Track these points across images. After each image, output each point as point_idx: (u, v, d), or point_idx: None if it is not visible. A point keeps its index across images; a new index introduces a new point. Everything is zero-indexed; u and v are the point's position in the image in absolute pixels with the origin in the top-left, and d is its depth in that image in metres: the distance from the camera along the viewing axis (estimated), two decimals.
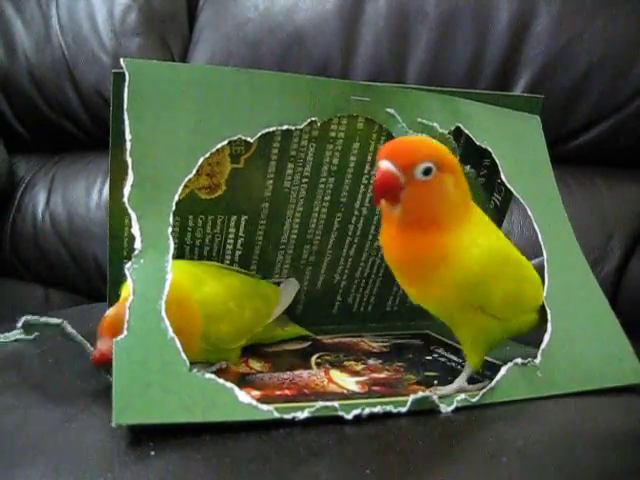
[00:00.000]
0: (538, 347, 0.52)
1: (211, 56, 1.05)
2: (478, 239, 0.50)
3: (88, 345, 0.53)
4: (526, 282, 0.53)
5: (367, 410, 0.45)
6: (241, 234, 0.61)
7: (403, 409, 0.46)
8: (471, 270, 0.49)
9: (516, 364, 0.50)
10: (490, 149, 0.57)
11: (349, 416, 0.44)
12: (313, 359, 0.59)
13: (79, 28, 1.13)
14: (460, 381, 0.51)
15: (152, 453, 0.40)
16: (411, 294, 0.52)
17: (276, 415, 0.43)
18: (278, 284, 0.64)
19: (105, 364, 0.47)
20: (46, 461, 0.40)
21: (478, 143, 0.57)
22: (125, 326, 0.43)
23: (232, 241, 0.62)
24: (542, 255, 0.56)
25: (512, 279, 0.52)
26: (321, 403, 0.44)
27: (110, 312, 0.47)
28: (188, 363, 0.43)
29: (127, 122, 0.47)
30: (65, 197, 1.13)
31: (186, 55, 1.11)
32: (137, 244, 0.45)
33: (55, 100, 1.15)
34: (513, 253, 0.53)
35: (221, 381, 0.43)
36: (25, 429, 0.44)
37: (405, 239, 0.49)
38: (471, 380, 0.54)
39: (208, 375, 0.43)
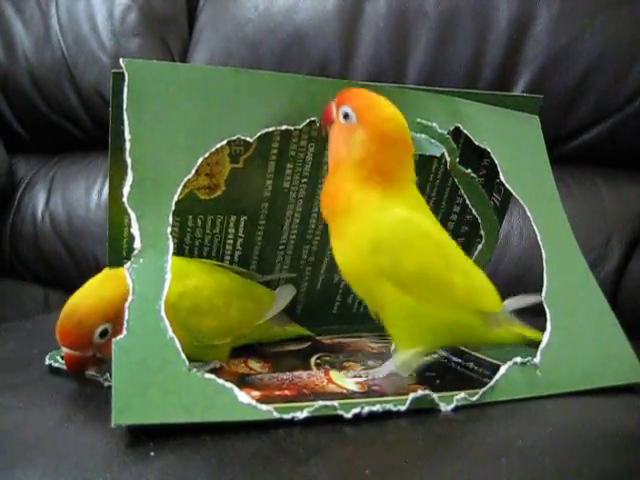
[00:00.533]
0: (537, 346, 0.52)
1: (211, 56, 1.05)
2: (397, 209, 0.50)
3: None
4: (455, 272, 0.51)
5: (367, 409, 0.45)
6: (240, 234, 0.61)
7: (403, 407, 0.46)
8: (378, 231, 0.49)
9: (515, 363, 0.50)
10: (489, 149, 0.57)
11: (349, 415, 0.44)
12: (313, 360, 0.59)
13: (79, 28, 1.13)
14: (390, 365, 0.53)
15: (151, 453, 0.40)
16: (334, 252, 0.53)
17: (275, 415, 0.43)
18: (278, 284, 0.64)
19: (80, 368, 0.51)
20: (45, 461, 0.40)
21: (477, 143, 0.57)
22: (125, 326, 0.43)
23: (231, 241, 0.62)
24: (541, 255, 0.55)
25: (428, 256, 0.51)
26: (320, 403, 0.44)
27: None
28: (188, 363, 0.43)
29: (126, 122, 0.47)
30: (65, 197, 1.13)
31: (186, 55, 1.11)
32: (136, 244, 0.45)
33: (55, 100, 1.15)
34: (443, 239, 0.53)
35: (221, 381, 0.43)
36: (24, 429, 0.44)
37: (326, 185, 0.53)
38: (470, 380, 0.54)
39: (208, 375, 0.43)
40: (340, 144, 0.51)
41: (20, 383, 0.52)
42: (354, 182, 0.50)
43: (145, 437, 0.41)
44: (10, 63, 1.17)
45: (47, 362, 0.55)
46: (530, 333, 0.53)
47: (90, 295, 0.52)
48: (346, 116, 0.51)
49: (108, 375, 0.51)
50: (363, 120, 0.51)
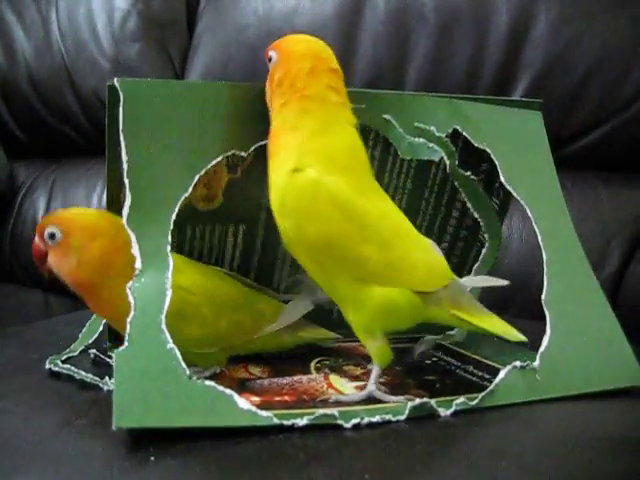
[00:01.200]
0: (537, 350, 0.52)
1: (210, 61, 1.05)
2: (311, 170, 0.48)
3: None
4: (370, 245, 0.48)
5: (366, 420, 0.45)
6: (239, 243, 0.61)
7: (402, 417, 0.46)
8: (285, 192, 0.48)
9: (515, 367, 0.50)
10: (489, 149, 0.57)
11: (348, 425, 0.45)
12: (312, 364, 0.59)
13: (79, 33, 1.13)
14: (370, 385, 0.50)
15: (152, 458, 0.40)
16: None
17: (275, 421, 0.43)
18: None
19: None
20: (45, 466, 0.40)
21: (476, 145, 0.57)
22: (126, 338, 0.43)
23: (230, 250, 0.62)
24: (542, 257, 0.55)
25: (334, 225, 0.48)
26: (321, 411, 0.44)
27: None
28: (188, 372, 0.43)
29: (122, 144, 0.47)
30: (65, 202, 1.13)
31: (185, 60, 1.11)
32: (137, 264, 0.45)
33: (55, 105, 1.16)
34: (363, 206, 0.49)
35: (221, 388, 0.43)
36: (24, 434, 0.44)
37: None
38: (470, 384, 0.54)
39: (208, 382, 0.44)
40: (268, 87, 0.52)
41: (20, 388, 0.52)
42: (279, 114, 0.50)
43: (145, 442, 0.41)
44: (10, 68, 1.17)
45: (47, 366, 0.55)
46: (473, 319, 0.50)
47: (79, 210, 0.57)
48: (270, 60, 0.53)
49: (107, 379, 0.52)
50: (279, 51, 0.52)
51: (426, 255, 0.50)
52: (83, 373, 0.53)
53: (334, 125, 0.50)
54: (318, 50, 0.52)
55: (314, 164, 0.48)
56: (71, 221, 0.53)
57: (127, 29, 1.11)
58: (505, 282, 0.53)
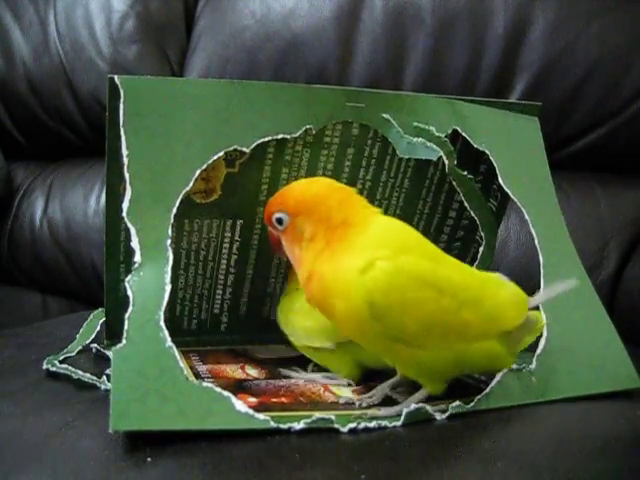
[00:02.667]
0: (533, 353, 0.52)
1: (208, 63, 1.05)
2: (380, 262, 0.45)
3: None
4: (466, 308, 0.46)
5: (362, 425, 0.45)
6: (237, 238, 0.61)
7: (398, 423, 0.46)
8: (371, 294, 0.45)
9: (511, 370, 0.50)
10: (487, 151, 0.57)
11: (344, 430, 0.45)
12: (309, 367, 0.59)
13: (77, 35, 1.13)
14: (412, 400, 0.48)
15: (148, 459, 0.40)
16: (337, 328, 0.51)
17: (272, 425, 0.43)
18: None
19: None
20: (43, 467, 0.40)
21: (476, 146, 0.57)
22: (124, 335, 0.43)
23: (228, 245, 0.62)
24: (538, 261, 0.55)
25: (430, 306, 0.46)
26: (318, 415, 0.45)
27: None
28: (185, 372, 0.43)
29: (123, 138, 0.48)
30: (63, 204, 1.13)
31: (183, 62, 1.11)
32: (137, 257, 0.45)
33: (53, 107, 1.16)
34: (440, 271, 0.47)
35: (218, 389, 0.44)
36: (22, 435, 0.44)
37: (301, 280, 0.50)
38: (466, 386, 0.54)
39: (205, 384, 0.44)
40: (291, 248, 0.51)
41: (18, 389, 0.52)
42: (319, 259, 0.48)
43: (142, 443, 0.41)
44: (8, 70, 1.17)
45: (45, 367, 0.55)
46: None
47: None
48: (279, 221, 0.51)
49: (105, 378, 0.52)
50: (290, 211, 0.50)
51: (506, 291, 0.49)
52: (81, 373, 0.53)
53: (372, 221, 0.49)
54: (327, 184, 0.51)
55: (377, 254, 0.46)
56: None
57: (125, 31, 1.11)
58: (574, 282, 0.52)
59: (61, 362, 0.56)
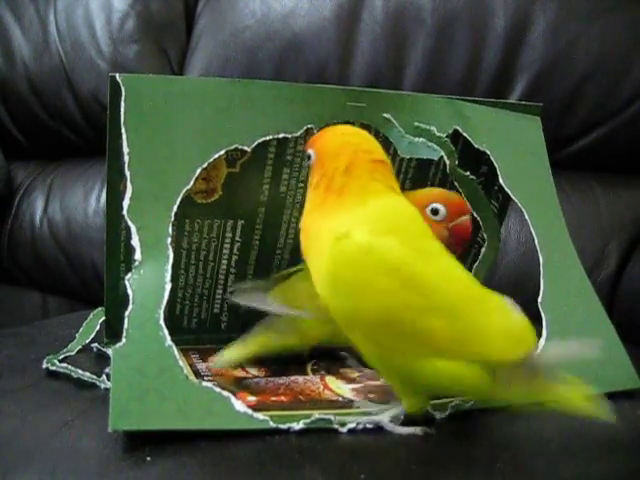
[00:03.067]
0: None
1: (208, 63, 1.05)
2: (358, 234, 0.43)
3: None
4: (437, 315, 0.42)
5: (361, 425, 0.45)
6: (237, 238, 0.61)
7: (397, 423, 0.46)
8: (335, 266, 0.43)
9: None
10: (488, 151, 0.57)
11: (344, 429, 0.45)
12: (309, 366, 0.59)
13: (77, 35, 1.13)
14: (385, 416, 0.46)
15: (148, 459, 0.40)
16: None
17: (272, 425, 0.44)
18: None
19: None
20: (43, 466, 0.40)
21: (476, 146, 0.57)
22: (124, 334, 0.43)
23: (228, 245, 0.62)
24: (539, 261, 0.55)
25: (393, 297, 0.42)
26: (317, 415, 0.45)
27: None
28: (185, 370, 0.43)
29: (124, 136, 0.48)
30: (63, 203, 1.13)
31: (184, 62, 1.11)
32: (137, 255, 0.45)
33: (53, 106, 1.16)
34: (424, 269, 0.43)
35: (218, 389, 0.44)
36: (22, 434, 0.44)
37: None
38: None
39: (205, 383, 0.44)
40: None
41: (18, 388, 0.52)
42: (314, 212, 0.47)
43: (141, 442, 0.41)
44: (8, 69, 1.17)
45: (45, 366, 0.55)
46: (551, 395, 0.43)
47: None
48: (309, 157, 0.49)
49: (105, 377, 0.52)
50: (314, 150, 0.49)
51: (504, 318, 0.43)
52: (80, 372, 0.53)
53: (378, 195, 0.46)
54: (356, 143, 0.48)
55: (360, 226, 0.43)
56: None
57: (125, 30, 1.11)
58: (596, 345, 0.43)
59: (61, 361, 0.56)
